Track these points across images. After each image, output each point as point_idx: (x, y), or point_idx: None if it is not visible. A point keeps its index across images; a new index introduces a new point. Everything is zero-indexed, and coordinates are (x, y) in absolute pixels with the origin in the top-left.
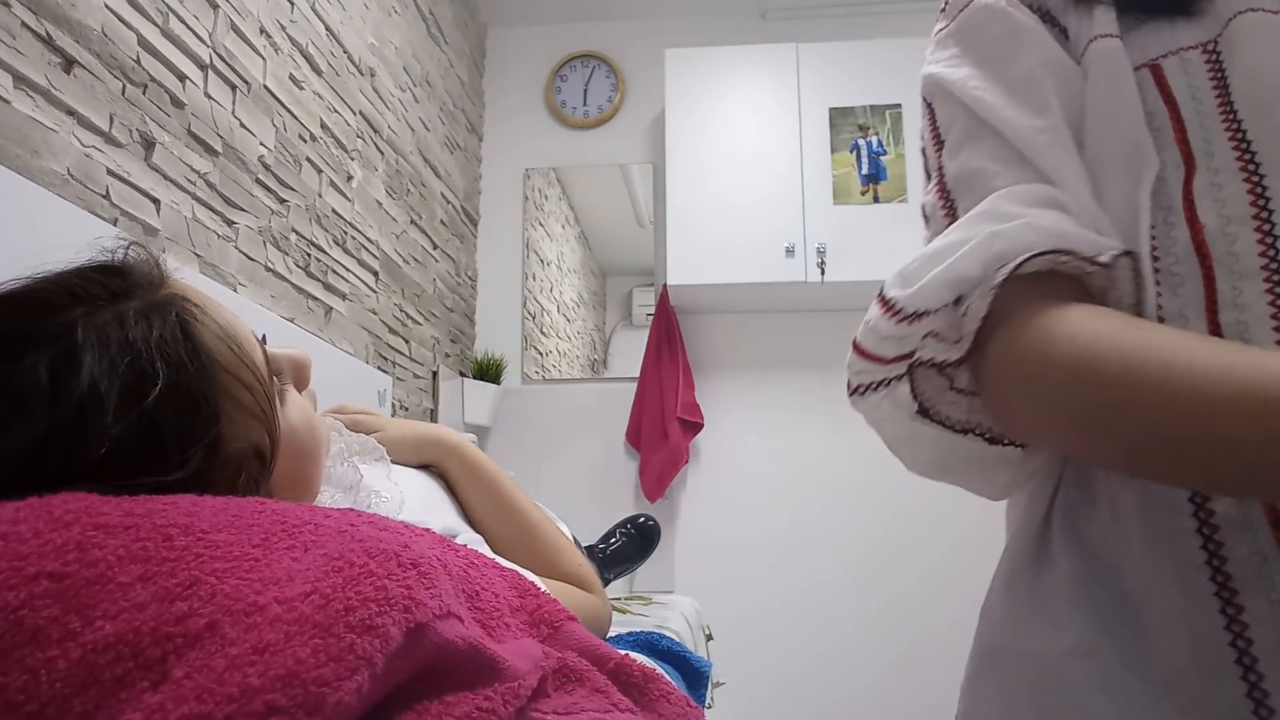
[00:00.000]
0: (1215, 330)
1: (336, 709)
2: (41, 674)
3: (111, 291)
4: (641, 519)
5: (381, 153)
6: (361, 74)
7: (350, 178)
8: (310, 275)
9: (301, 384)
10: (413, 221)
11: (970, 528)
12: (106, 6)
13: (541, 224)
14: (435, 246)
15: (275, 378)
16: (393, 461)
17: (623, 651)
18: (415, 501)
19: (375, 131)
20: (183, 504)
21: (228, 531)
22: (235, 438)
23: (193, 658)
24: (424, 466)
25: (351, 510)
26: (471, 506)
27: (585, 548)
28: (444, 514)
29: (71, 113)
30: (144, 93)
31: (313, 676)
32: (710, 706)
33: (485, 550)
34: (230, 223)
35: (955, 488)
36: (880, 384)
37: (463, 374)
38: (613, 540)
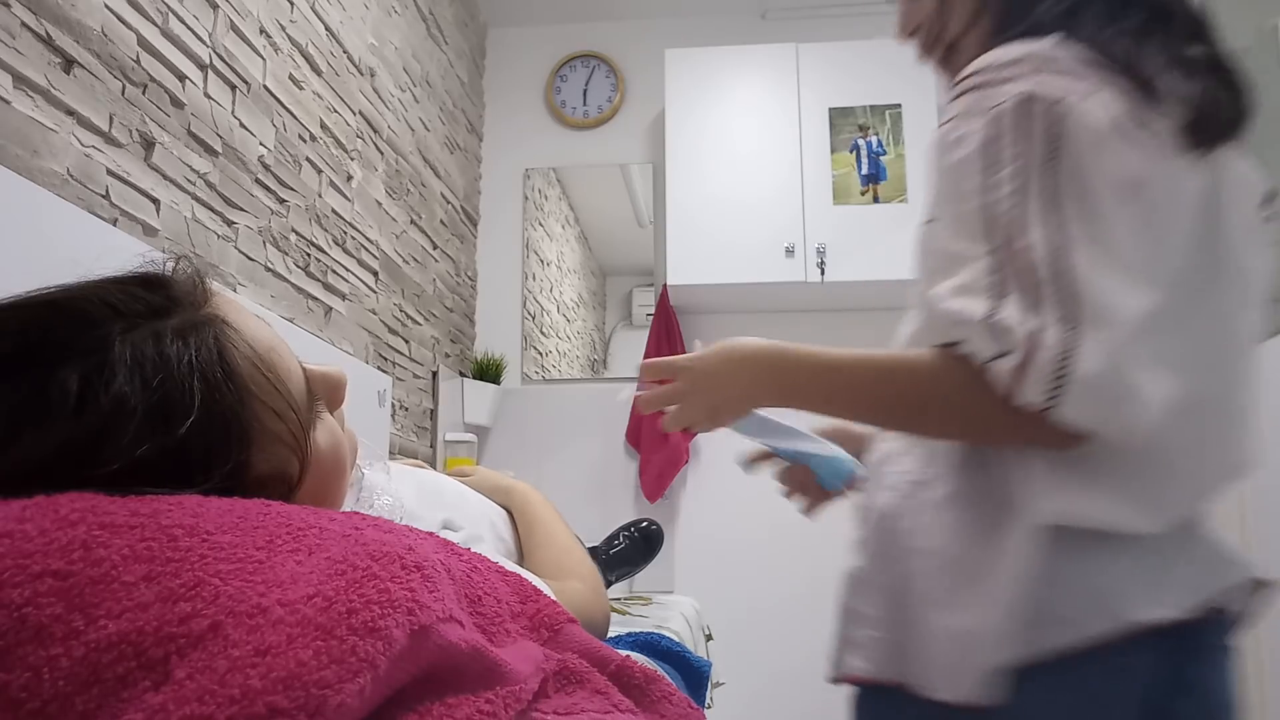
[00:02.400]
0: None
1: (338, 711)
2: (44, 672)
3: (151, 307)
4: (645, 523)
5: (381, 153)
6: (361, 74)
7: (350, 178)
8: (310, 275)
9: (334, 404)
10: (413, 221)
11: None
12: (106, 6)
13: (541, 224)
14: (435, 246)
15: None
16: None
17: (623, 653)
18: (411, 499)
19: (375, 131)
20: (188, 505)
21: (232, 533)
22: (262, 464)
23: (195, 658)
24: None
25: (356, 514)
26: (522, 540)
27: (588, 549)
28: (441, 509)
29: (71, 113)
30: (144, 93)
31: (314, 679)
32: (710, 706)
33: (485, 549)
34: (230, 223)
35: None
36: None
37: (463, 374)
38: (615, 543)
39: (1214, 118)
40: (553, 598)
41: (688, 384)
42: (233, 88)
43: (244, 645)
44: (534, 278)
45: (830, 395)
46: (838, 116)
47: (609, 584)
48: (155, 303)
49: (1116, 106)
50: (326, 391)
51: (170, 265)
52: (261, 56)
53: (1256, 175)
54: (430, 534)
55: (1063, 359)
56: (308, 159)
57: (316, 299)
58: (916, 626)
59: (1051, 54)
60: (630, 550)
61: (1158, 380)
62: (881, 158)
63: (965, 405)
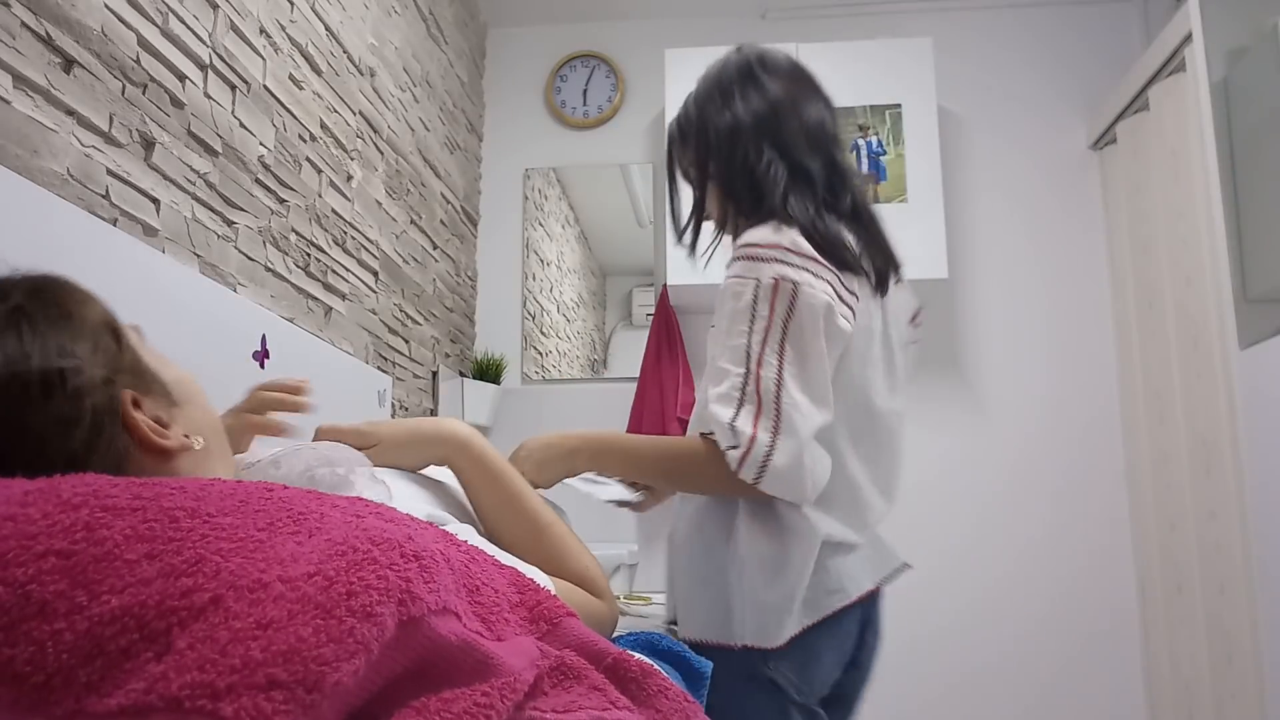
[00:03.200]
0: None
1: (334, 689)
2: (48, 646)
3: None
4: None
5: (381, 153)
6: (361, 74)
7: (350, 178)
8: (310, 275)
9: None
10: (413, 221)
11: (968, 527)
12: (106, 6)
13: (541, 224)
14: (435, 246)
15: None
16: (398, 467)
17: (620, 648)
18: (401, 499)
19: (375, 131)
20: (190, 489)
21: (234, 515)
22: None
23: (196, 629)
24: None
25: (359, 500)
26: (480, 503)
27: None
28: (430, 504)
29: (71, 113)
30: (144, 93)
31: (314, 655)
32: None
33: (478, 542)
34: (230, 223)
35: (953, 503)
36: None
37: (463, 374)
38: None
39: (884, 273)
40: (551, 590)
41: (523, 459)
42: (233, 88)
43: (245, 618)
44: (534, 278)
45: (637, 471)
46: (838, 116)
47: None
48: None
49: (830, 287)
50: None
51: None
52: (261, 56)
53: (909, 297)
54: (429, 524)
55: (767, 456)
56: (308, 159)
57: (316, 299)
58: (744, 599)
59: (796, 244)
60: None
61: (819, 466)
62: (881, 158)
63: (715, 475)
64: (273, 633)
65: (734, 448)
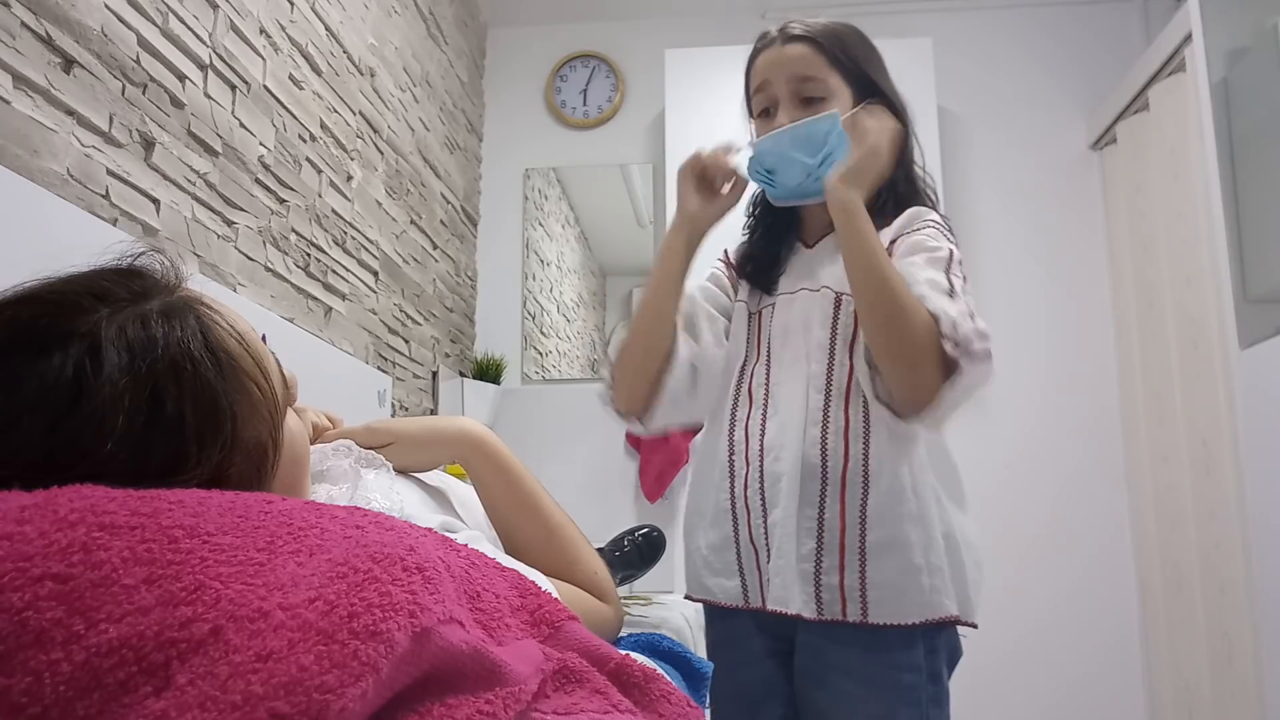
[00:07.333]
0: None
1: (340, 715)
2: (45, 676)
3: (133, 292)
4: (648, 530)
5: (381, 153)
6: (361, 74)
7: (350, 178)
8: (310, 275)
9: (290, 400)
10: (413, 221)
11: None
12: (106, 6)
13: (541, 224)
14: (435, 246)
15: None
16: (413, 470)
17: (623, 652)
18: (413, 502)
19: (375, 131)
20: (189, 503)
21: (233, 534)
22: (246, 436)
23: (196, 664)
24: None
25: (358, 510)
26: (492, 503)
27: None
28: (442, 510)
29: (71, 113)
30: (144, 93)
31: (316, 684)
32: (711, 707)
33: (484, 548)
34: (230, 223)
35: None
36: None
37: (463, 374)
38: (623, 546)
39: None
40: (553, 594)
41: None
42: (233, 88)
43: (245, 650)
44: (534, 278)
45: (879, 268)
46: None
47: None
48: (136, 288)
49: None
50: (287, 384)
51: (139, 256)
52: (261, 56)
53: None
54: (429, 530)
55: (978, 342)
56: (308, 159)
57: (316, 299)
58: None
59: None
60: (633, 555)
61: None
62: None
63: (929, 339)
64: (273, 664)
65: (952, 332)
